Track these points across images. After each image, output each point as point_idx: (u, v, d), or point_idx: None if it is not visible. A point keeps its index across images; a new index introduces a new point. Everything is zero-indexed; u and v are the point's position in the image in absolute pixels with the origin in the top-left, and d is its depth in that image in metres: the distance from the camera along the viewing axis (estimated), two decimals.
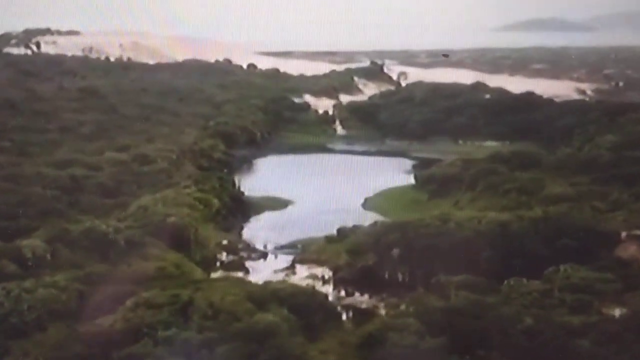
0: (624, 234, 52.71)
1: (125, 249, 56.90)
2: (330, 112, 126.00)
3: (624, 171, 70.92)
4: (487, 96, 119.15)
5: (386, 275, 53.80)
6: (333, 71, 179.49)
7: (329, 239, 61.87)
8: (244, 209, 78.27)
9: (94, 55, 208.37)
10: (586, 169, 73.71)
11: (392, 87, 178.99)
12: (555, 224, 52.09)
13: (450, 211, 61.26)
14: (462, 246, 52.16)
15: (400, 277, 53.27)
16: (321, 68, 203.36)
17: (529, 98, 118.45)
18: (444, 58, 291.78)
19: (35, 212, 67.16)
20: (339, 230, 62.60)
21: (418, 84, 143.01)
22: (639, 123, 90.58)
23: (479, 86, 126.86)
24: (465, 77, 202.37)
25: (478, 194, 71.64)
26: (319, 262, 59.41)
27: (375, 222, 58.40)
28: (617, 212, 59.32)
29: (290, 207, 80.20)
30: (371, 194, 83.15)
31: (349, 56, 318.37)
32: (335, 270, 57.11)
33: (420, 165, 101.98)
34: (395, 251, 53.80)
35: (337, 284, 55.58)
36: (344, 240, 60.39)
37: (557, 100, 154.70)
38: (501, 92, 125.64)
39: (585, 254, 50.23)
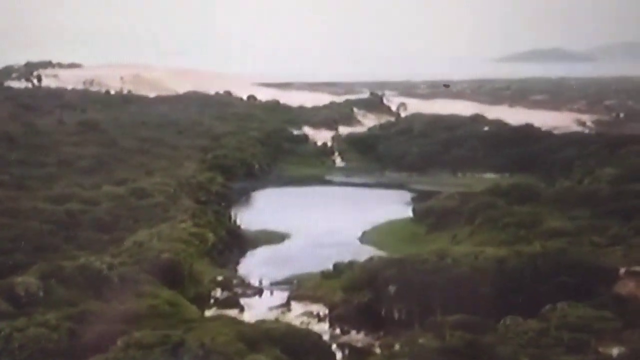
0: (622, 269, 51.78)
1: (119, 286, 56.12)
2: (329, 144, 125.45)
3: (624, 205, 70.13)
4: (486, 128, 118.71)
5: (382, 313, 52.86)
6: (333, 102, 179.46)
7: (325, 275, 61.08)
8: (240, 243, 77.59)
9: (95, 88, 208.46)
10: (585, 202, 72.93)
11: (392, 118, 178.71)
12: (553, 260, 51.25)
13: (448, 246, 60.56)
14: (459, 283, 51.31)
15: (396, 314, 52.36)
16: (321, 99, 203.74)
17: (528, 130, 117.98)
18: (445, 88, 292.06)
19: (31, 248, 66.46)
20: (335, 266, 61.79)
21: (417, 116, 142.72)
22: (639, 155, 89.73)
23: (477, 118, 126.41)
24: (464, 108, 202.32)
25: (476, 227, 70.86)
26: (315, 299, 58.58)
27: (372, 258, 57.59)
28: (616, 246, 58.47)
29: (287, 241, 79.48)
30: (369, 227, 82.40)
31: (349, 87, 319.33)
32: (331, 308, 56.21)
33: (419, 198, 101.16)
34: (392, 288, 52.94)
35: (333, 321, 54.70)
36: (340, 275, 59.57)
37: (556, 132, 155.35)
38: (500, 124, 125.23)
39: (583, 291, 49.39)
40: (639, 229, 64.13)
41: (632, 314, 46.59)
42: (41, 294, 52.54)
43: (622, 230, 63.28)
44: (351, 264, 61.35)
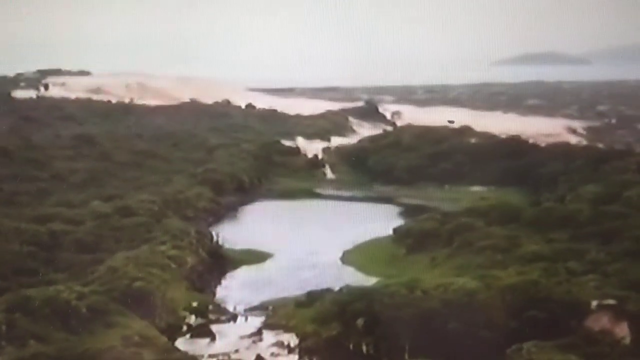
0: (594, 303, 48.91)
1: (88, 317, 53.65)
2: (320, 156, 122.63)
3: (603, 227, 67.25)
4: (473, 140, 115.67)
5: (351, 347, 50.11)
6: (328, 111, 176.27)
7: (298, 304, 58.30)
8: (221, 264, 74.78)
9: (100, 97, 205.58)
10: (565, 224, 70.05)
11: (388, 127, 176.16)
12: (523, 295, 48.43)
13: (421, 275, 57.64)
14: (427, 318, 48.60)
15: (365, 349, 49.61)
16: (319, 106, 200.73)
17: (515, 143, 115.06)
18: (440, 95, 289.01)
19: (9, 271, 64.43)
20: (308, 294, 59.00)
21: (406, 128, 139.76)
22: (623, 172, 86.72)
23: (465, 131, 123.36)
24: (458, 115, 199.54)
25: (454, 250, 68.12)
26: (287, 329, 55.84)
27: (342, 289, 54.68)
28: (590, 275, 55.53)
29: (268, 262, 76.65)
30: (351, 246, 79.61)
31: (349, 92, 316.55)
32: (302, 338, 53.57)
33: (406, 213, 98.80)
34: (360, 321, 50.22)
35: (303, 354, 52.08)
36: (312, 304, 56.79)
37: (545, 142, 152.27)
38: (487, 137, 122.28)
39: (553, 326, 46.68)
40: (616, 254, 61.29)
41: (603, 354, 43.89)
42: (4, 328, 50.04)
43: (599, 256, 60.37)
44: (324, 293, 58.53)
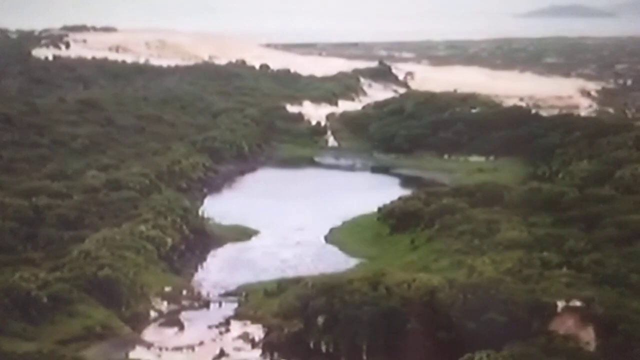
0: (561, 304, 46.08)
1: (50, 307, 51.77)
2: (323, 123, 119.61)
3: (588, 211, 64.22)
4: (475, 110, 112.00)
5: (311, 344, 47.88)
6: (340, 73, 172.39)
7: (267, 293, 56.08)
8: (205, 242, 72.46)
9: (118, 55, 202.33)
10: (549, 206, 67.02)
11: (400, 88, 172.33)
12: (484, 295, 45.69)
13: (396, 261, 55.06)
14: (387, 317, 46.16)
15: (324, 347, 47.36)
16: (335, 65, 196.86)
17: (516, 112, 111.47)
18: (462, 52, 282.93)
19: None
20: (279, 284, 56.70)
21: (411, 94, 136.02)
22: (617, 148, 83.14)
23: (468, 98, 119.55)
24: (473, 76, 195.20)
25: (435, 232, 65.52)
26: (254, 319, 53.72)
27: (307, 283, 52.09)
28: (565, 267, 52.68)
29: (253, 239, 74.37)
30: (339, 223, 77.27)
31: (369, 47, 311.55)
32: (267, 331, 51.46)
33: (401, 185, 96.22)
34: (320, 319, 47.91)
35: (266, 348, 49.94)
36: (281, 295, 54.54)
37: (553, 106, 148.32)
38: (490, 105, 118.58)
39: (513, 329, 43.98)
40: (597, 241, 58.32)
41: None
42: None
43: (578, 245, 57.37)
44: (297, 281, 56.17)
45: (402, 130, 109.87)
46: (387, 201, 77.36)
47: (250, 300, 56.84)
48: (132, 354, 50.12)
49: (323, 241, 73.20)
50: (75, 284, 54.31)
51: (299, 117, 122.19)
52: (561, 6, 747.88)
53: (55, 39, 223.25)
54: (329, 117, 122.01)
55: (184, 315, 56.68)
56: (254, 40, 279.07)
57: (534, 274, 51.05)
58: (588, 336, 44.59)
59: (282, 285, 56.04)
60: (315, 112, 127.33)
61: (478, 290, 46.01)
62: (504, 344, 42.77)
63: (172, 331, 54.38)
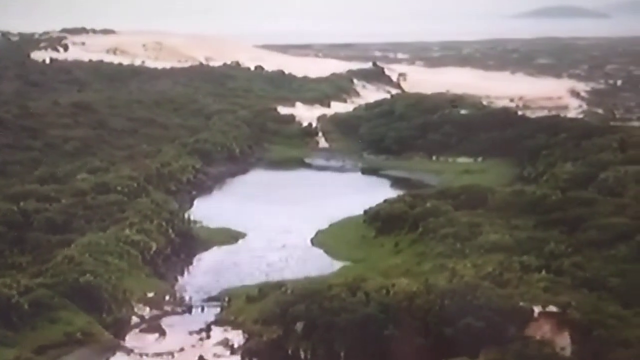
0: (537, 309, 45.26)
1: (31, 313, 50.92)
2: (314, 125, 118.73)
3: (569, 214, 63.47)
4: (463, 112, 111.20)
5: (290, 351, 47.02)
6: (334, 74, 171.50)
7: (249, 298, 55.15)
8: (191, 245, 71.56)
9: (115, 57, 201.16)
10: (532, 209, 66.25)
11: (392, 89, 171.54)
12: (461, 300, 44.85)
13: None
14: (364, 324, 45.30)
15: (302, 354, 46.50)
16: (329, 66, 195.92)
17: (504, 114, 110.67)
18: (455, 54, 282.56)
19: None
20: (260, 289, 55.82)
21: (401, 97, 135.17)
22: (602, 150, 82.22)
23: (457, 100, 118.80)
24: (465, 77, 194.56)
25: (418, 236, 64.83)
26: (235, 325, 52.85)
27: (287, 289, 51.39)
28: (545, 271, 51.86)
29: (240, 242, 73.47)
30: (325, 225, 76.42)
31: (364, 48, 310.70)
32: (247, 337, 50.59)
33: (390, 186, 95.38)
34: (299, 325, 47.04)
35: (245, 355, 49.09)
36: (262, 300, 53.66)
37: (542, 107, 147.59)
38: (478, 107, 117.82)
39: (490, 335, 43.17)
40: (578, 244, 57.60)
41: None
42: None
43: (559, 248, 56.60)
44: (278, 285, 55.34)
45: (391, 132, 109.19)
46: (376, 202, 76.58)
47: (232, 306, 55.97)
48: None
49: (309, 244, 72.32)
50: (58, 290, 53.49)
51: (291, 118, 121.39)
52: (553, 7, 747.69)
53: (54, 41, 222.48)
54: (320, 118, 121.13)
55: (165, 321, 55.79)
56: (250, 41, 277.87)
57: (513, 278, 50.27)
58: (564, 341, 43.84)
59: (263, 290, 55.14)
60: (307, 114, 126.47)
61: (456, 296, 45.17)
62: (480, 350, 42.09)
63: (153, 337, 53.55)
